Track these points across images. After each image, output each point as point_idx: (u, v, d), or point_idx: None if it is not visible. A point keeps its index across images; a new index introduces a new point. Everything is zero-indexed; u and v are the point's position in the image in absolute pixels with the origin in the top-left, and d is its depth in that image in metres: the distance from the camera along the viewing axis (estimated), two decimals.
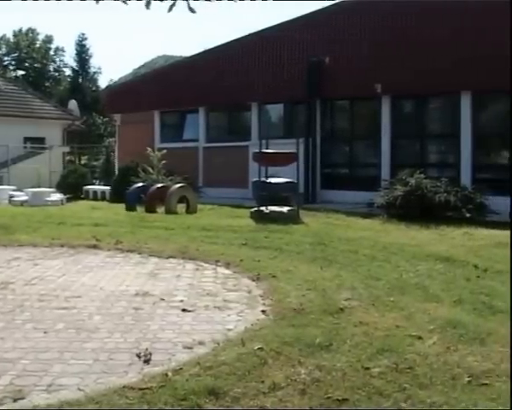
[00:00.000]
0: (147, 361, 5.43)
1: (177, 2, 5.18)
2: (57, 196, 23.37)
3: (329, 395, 4.71)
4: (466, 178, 19.24)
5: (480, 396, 4.78)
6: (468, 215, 15.81)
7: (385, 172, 20.87)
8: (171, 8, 5.20)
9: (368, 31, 21.25)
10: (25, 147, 33.52)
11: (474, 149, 19.78)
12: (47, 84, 68.88)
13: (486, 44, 18.87)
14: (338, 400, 4.65)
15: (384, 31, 20.93)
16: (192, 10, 5.16)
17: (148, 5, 5.12)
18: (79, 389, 4.81)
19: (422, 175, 17.08)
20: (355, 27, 21.49)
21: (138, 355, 5.54)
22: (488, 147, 20.77)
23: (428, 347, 5.84)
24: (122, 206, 19.56)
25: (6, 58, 69.08)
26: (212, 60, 25.01)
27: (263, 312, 7.02)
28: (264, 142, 17.26)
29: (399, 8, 20.78)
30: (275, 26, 23.61)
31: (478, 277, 9.04)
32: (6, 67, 66.99)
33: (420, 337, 6.08)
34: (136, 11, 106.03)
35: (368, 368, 5.24)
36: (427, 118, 21.50)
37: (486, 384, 5.00)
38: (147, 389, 4.77)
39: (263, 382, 4.93)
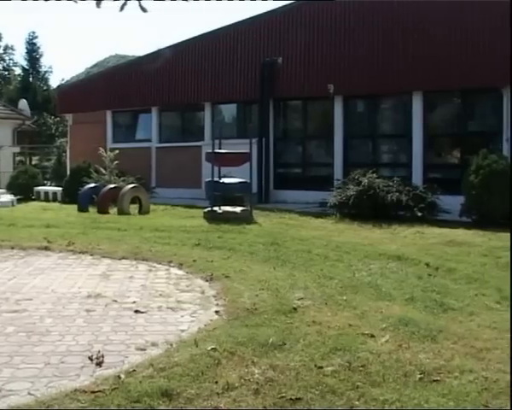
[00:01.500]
0: (99, 364, 5.36)
1: (128, 2, 5.11)
2: (7, 198, 23.01)
3: (283, 395, 4.72)
4: (417, 177, 19.46)
5: (432, 393, 4.84)
6: (419, 214, 15.99)
7: (337, 171, 21.00)
8: (122, 8, 5.12)
9: (321, 31, 21.36)
10: None
11: (426, 149, 20.04)
12: None
13: (437, 45, 19.13)
14: (291, 399, 4.66)
15: (336, 31, 21.07)
16: (144, 9, 5.10)
17: (98, 4, 5.04)
18: (30, 394, 4.73)
19: (375, 175, 17.22)
20: (308, 28, 21.58)
21: (90, 358, 5.47)
22: (439, 147, 21.09)
23: (381, 345, 5.89)
24: (74, 207, 19.34)
25: None
26: (165, 59, 24.86)
27: (216, 312, 7.00)
28: (217, 142, 17.22)
29: (351, 8, 20.94)
30: (228, 25, 23.57)
31: (429, 275, 9.15)
32: None
33: (372, 336, 6.13)
34: (88, 10, 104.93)
35: (321, 367, 5.26)
36: (380, 118, 21.73)
37: (438, 381, 5.06)
38: (99, 392, 4.72)
39: (216, 382, 4.92)
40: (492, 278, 9.08)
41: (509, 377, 5.17)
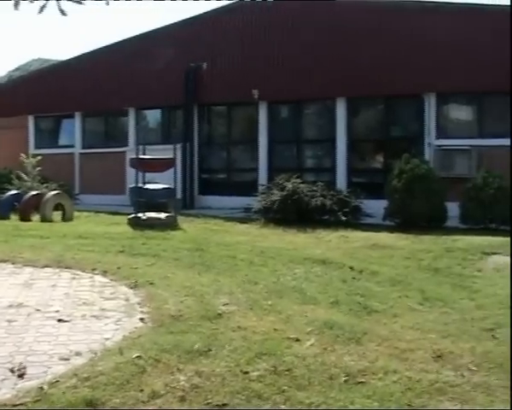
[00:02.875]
0: (21, 376, 5.22)
1: (48, 4, 5.02)
2: None
3: (209, 401, 4.69)
4: (342, 182, 19.73)
5: (357, 394, 4.89)
6: (343, 218, 16.18)
7: (262, 176, 21.10)
8: (41, 10, 5.04)
9: (246, 37, 21.43)
10: None
11: (350, 154, 20.33)
12: None
13: (361, 52, 19.44)
14: (217, 405, 4.64)
15: (261, 37, 21.17)
16: (63, 13, 5.03)
17: (16, 5, 4.94)
18: None
19: (299, 180, 17.35)
20: (233, 34, 21.62)
21: (12, 370, 5.31)
22: (363, 152, 21.40)
23: (306, 348, 5.91)
24: None
25: None
26: (89, 64, 24.54)
27: (141, 320, 6.92)
28: (141, 147, 17.07)
29: (276, 15, 21.09)
30: (153, 30, 23.42)
31: (353, 278, 9.26)
32: None
33: (298, 339, 6.15)
34: (7, 11, 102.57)
35: (247, 372, 5.25)
36: (304, 123, 21.90)
37: (362, 382, 5.12)
38: (20, 404, 4.60)
39: (142, 390, 4.86)
40: (415, 280, 9.25)
41: (431, 376, 5.28)
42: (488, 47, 17.85)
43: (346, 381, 5.14)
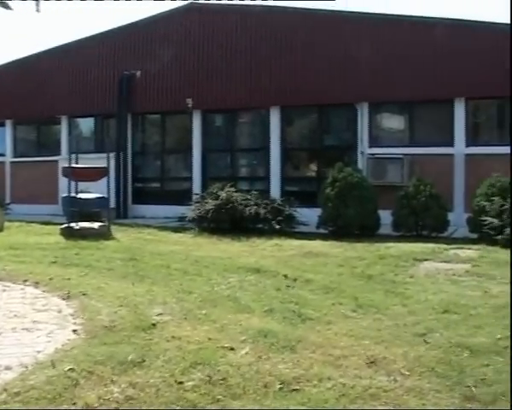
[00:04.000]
0: None
1: None
2: None
3: None
4: (275, 190, 19.82)
5: (292, 402, 4.91)
6: (277, 227, 16.23)
7: (196, 185, 21.06)
8: None
9: (180, 46, 21.37)
10: None
11: (283, 163, 20.45)
12: None
13: (294, 61, 19.61)
14: None
15: (195, 46, 21.14)
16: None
17: None
18: None
19: (233, 188, 17.35)
20: (168, 42, 21.53)
21: None
22: (296, 160, 21.55)
23: (241, 357, 5.91)
24: None
25: None
26: (20, 71, 24.11)
27: (74, 331, 6.81)
28: (73, 156, 16.85)
29: (210, 24, 21.09)
30: (86, 37, 23.14)
31: (288, 286, 9.29)
32: None
33: (232, 348, 6.14)
34: None
35: (181, 382, 5.22)
36: (238, 132, 21.95)
37: (297, 390, 5.14)
38: None
39: (74, 404, 4.78)
40: (349, 287, 9.32)
41: (364, 381, 5.34)
42: (419, 57, 18.22)
43: (280, 389, 5.15)
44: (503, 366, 5.74)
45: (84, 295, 8.49)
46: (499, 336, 6.65)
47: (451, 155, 18.19)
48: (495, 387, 5.26)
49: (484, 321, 7.30)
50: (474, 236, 14.53)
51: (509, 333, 6.57)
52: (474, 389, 5.23)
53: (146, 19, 22.23)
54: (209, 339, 6.45)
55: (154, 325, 6.95)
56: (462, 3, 52.32)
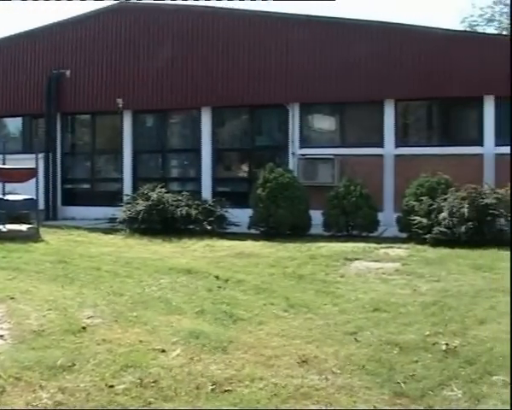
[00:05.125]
0: None
1: None
2: None
3: None
4: (207, 191, 19.79)
5: (224, 403, 4.92)
6: (209, 228, 16.17)
7: (127, 186, 20.87)
8: None
9: (110, 45, 21.13)
10: None
11: (215, 164, 20.43)
12: None
13: (225, 62, 19.61)
14: None
15: (127, 46, 20.94)
16: None
17: None
18: None
19: (164, 189, 17.24)
20: (98, 41, 21.27)
21: None
22: (228, 161, 21.55)
23: (172, 359, 5.88)
24: None
25: None
26: None
27: (0, 337, 6.66)
28: (0, 157, 16.48)
29: (142, 25, 20.92)
30: (14, 36, 22.66)
31: (219, 287, 9.27)
32: None
33: (164, 350, 6.11)
34: None
35: (112, 386, 5.16)
36: (169, 133, 21.84)
37: (229, 391, 5.15)
38: None
39: None
40: (280, 287, 9.36)
41: (296, 381, 5.37)
42: (350, 58, 18.43)
43: (212, 390, 5.15)
44: (431, 362, 5.85)
45: (11, 299, 8.29)
46: (427, 332, 6.78)
47: (381, 156, 18.47)
48: (423, 382, 5.36)
49: (413, 319, 7.42)
50: (404, 235, 14.78)
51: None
52: (403, 385, 5.31)
53: (75, 17, 21.89)
54: (140, 341, 6.39)
55: (84, 328, 6.85)
56: (395, 7, 53.19)
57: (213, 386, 5.21)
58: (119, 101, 20.73)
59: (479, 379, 5.45)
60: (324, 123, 20.64)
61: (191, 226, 16.54)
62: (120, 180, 21.28)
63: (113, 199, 19.14)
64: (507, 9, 41.94)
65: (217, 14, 20.27)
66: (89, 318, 7.30)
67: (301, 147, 19.24)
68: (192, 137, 21.18)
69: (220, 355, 6.02)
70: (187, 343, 6.34)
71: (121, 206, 17.60)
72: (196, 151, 20.59)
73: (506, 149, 17.11)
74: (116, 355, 5.91)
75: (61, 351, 6.02)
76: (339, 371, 5.64)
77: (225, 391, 5.13)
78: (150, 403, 4.86)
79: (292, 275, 10.39)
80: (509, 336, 6.62)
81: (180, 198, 16.94)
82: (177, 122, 22.45)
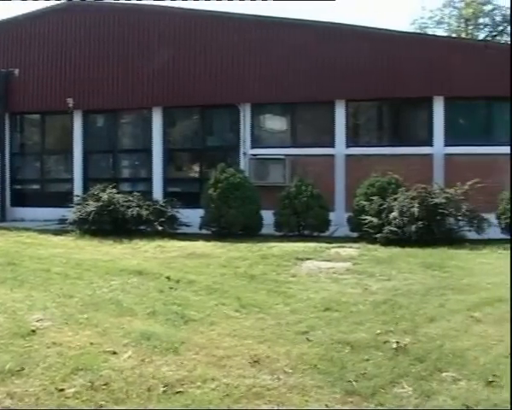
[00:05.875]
0: None
1: None
2: None
3: None
4: (158, 191, 19.71)
5: (176, 404, 4.91)
6: (160, 228, 16.08)
7: (77, 187, 20.67)
8: None
9: (61, 44, 20.88)
10: None
11: (166, 164, 20.36)
12: None
13: (177, 62, 19.55)
14: None
15: (77, 45, 20.72)
16: None
17: None
18: None
19: (115, 190, 17.10)
20: (48, 39, 21.01)
21: None
22: (179, 161, 21.50)
23: (124, 361, 5.84)
24: None
25: None
26: None
27: None
28: None
29: (92, 24, 20.73)
30: None
31: (171, 288, 9.23)
32: None
33: (115, 352, 6.06)
34: None
35: (62, 389, 5.11)
36: (120, 133, 21.69)
37: (181, 392, 5.13)
38: None
39: None
40: (232, 287, 9.35)
41: (248, 381, 5.38)
42: (302, 59, 18.55)
43: (164, 391, 5.13)
44: (382, 360, 5.91)
45: None
46: (378, 331, 6.85)
47: (332, 156, 18.61)
48: (375, 380, 5.41)
49: (364, 317, 7.48)
50: (355, 235, 14.89)
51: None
52: (354, 383, 5.36)
53: (24, 15, 21.62)
54: (91, 344, 6.34)
55: (33, 331, 6.77)
56: (347, 9, 53.63)
57: (165, 388, 5.19)
58: (70, 100, 20.52)
59: (429, 376, 5.52)
60: (276, 123, 20.71)
61: (142, 227, 16.44)
62: (71, 181, 21.07)
63: (64, 200, 18.93)
64: (456, 12, 42.78)
65: (168, 14, 20.18)
66: (38, 321, 7.21)
67: (252, 147, 19.28)
68: (143, 138, 21.06)
69: (172, 356, 6.00)
70: (138, 345, 6.30)
71: (71, 207, 17.39)
72: (147, 151, 20.49)
73: (455, 150, 17.50)
74: (66, 358, 5.85)
75: (10, 355, 5.93)
76: (291, 371, 5.66)
77: (177, 392, 5.11)
78: (101, 406, 4.83)
79: (243, 275, 10.39)
80: (457, 334, 6.74)
81: (131, 199, 16.81)
82: (128, 122, 22.31)
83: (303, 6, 57.28)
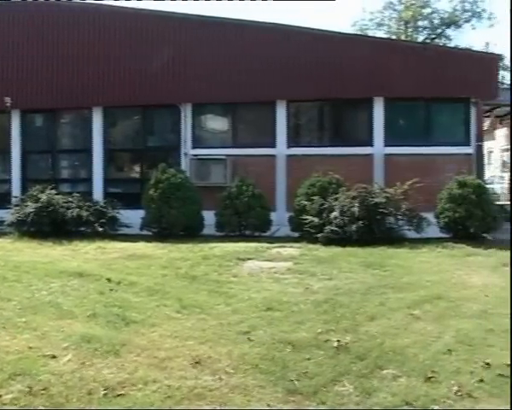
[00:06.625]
0: None
1: None
2: None
3: None
4: (98, 192, 19.52)
5: (117, 407, 4.89)
6: (100, 229, 15.92)
7: (16, 187, 20.32)
8: None
9: None
10: None
11: (106, 164, 20.18)
12: None
13: (117, 62, 19.37)
14: None
15: (15, 43, 20.37)
16: None
17: None
18: None
19: (54, 191, 16.85)
20: None
21: None
22: (120, 162, 21.32)
23: (63, 365, 5.77)
24: None
25: None
26: None
27: None
28: None
29: (32, 22, 20.41)
30: None
31: (111, 290, 9.15)
32: None
33: (54, 356, 5.99)
34: None
35: None
36: (60, 133, 21.39)
37: (122, 395, 5.10)
38: None
39: None
40: (173, 288, 9.31)
41: (190, 382, 5.38)
42: (242, 59, 18.59)
43: (105, 395, 5.09)
44: (323, 359, 5.96)
45: None
46: (320, 330, 6.90)
47: (274, 156, 18.68)
48: (316, 379, 5.45)
49: (305, 317, 7.53)
50: (296, 234, 14.96)
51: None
52: (296, 382, 5.39)
53: None
54: (30, 348, 6.24)
55: None
56: (288, 10, 53.88)
57: (106, 391, 5.15)
58: (7, 99, 20.15)
59: (369, 374, 5.59)
60: (217, 123, 20.69)
61: (82, 228, 16.25)
62: (8, 181, 20.71)
63: (1, 201, 18.62)
64: (396, 15, 43.48)
65: (109, 13, 20.01)
66: None
67: (194, 147, 19.24)
68: (83, 138, 20.80)
69: (113, 359, 5.95)
70: (78, 348, 6.23)
71: (9, 208, 17.08)
72: (87, 152, 20.26)
73: (394, 150, 17.76)
74: (4, 363, 5.75)
75: None
76: (232, 371, 5.67)
77: (118, 395, 5.08)
78: None
79: (185, 276, 10.36)
80: (398, 331, 6.84)
81: (71, 199, 16.60)
82: (68, 122, 22.01)
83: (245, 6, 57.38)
